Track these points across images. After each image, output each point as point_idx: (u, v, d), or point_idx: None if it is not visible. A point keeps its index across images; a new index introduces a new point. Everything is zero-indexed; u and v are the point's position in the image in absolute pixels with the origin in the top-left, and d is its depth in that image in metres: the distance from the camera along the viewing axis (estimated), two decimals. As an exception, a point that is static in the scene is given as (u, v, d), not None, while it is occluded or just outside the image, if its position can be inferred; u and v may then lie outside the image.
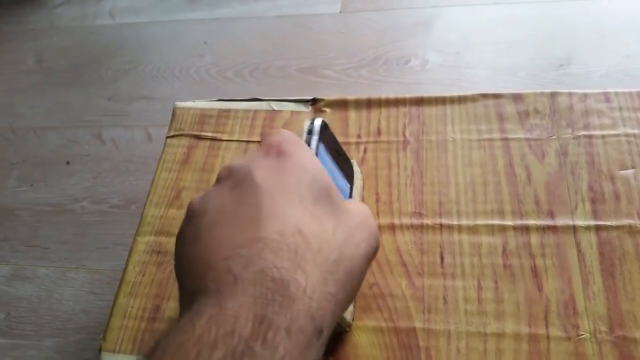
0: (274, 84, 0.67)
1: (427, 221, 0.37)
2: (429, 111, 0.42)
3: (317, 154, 0.30)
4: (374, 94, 0.43)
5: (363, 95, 0.43)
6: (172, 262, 0.36)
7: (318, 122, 0.32)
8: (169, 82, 0.71)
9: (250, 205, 0.20)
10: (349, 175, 0.36)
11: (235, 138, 0.42)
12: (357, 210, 0.25)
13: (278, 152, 0.23)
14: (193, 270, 0.20)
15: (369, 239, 0.24)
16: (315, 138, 0.31)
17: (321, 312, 0.19)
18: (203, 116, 0.44)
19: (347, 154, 0.37)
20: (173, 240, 0.38)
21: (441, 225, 0.36)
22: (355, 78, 0.65)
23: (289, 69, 0.68)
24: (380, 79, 0.64)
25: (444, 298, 0.33)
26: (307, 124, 0.32)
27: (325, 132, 0.32)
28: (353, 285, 0.22)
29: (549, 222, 0.36)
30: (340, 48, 0.69)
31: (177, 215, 0.39)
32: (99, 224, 0.59)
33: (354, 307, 0.33)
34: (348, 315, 0.32)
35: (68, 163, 0.65)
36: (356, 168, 0.38)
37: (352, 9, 0.73)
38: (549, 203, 0.37)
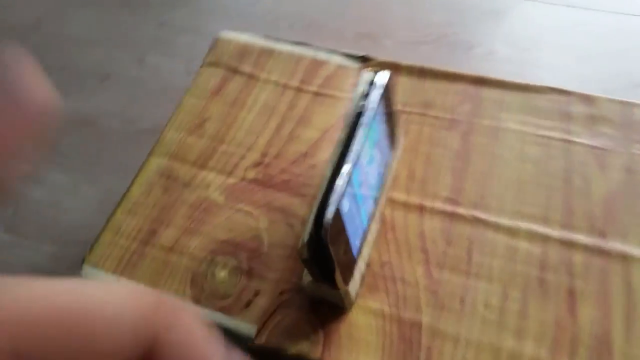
0: (326, 42, 0.62)
1: (461, 211, 0.33)
2: (487, 93, 0.38)
3: (375, 112, 0.27)
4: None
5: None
6: (181, 188, 0.34)
7: (385, 76, 0.29)
8: (222, 20, 0.68)
9: None
10: (393, 140, 0.33)
11: (273, 78, 0.39)
12: None
13: None
14: None
15: None
16: (378, 92, 0.28)
17: None
18: (244, 50, 0.41)
19: (398, 121, 0.33)
20: (186, 167, 0.36)
21: (476, 218, 0.32)
22: (414, 53, 0.60)
23: (346, 30, 0.64)
24: (441, 60, 0.60)
25: (462, 298, 0.30)
26: (368, 74, 0.29)
27: (388, 90, 0.29)
28: None
29: (600, 243, 0.31)
30: (405, 19, 0.64)
31: (196, 144, 0.36)
32: (125, 144, 0.57)
33: (360, 285, 0.30)
34: (353, 292, 0.29)
35: (105, 79, 0.63)
36: (400, 139, 0.34)
37: (428, -18, 0.68)
38: (604, 221, 0.32)
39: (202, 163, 0.35)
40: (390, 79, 0.29)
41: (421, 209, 0.33)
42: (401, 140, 0.35)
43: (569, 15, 0.63)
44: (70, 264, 0.49)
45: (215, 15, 0.70)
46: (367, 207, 0.30)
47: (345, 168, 0.26)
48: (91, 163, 0.56)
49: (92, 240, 0.50)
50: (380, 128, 0.30)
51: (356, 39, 0.63)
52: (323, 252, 0.24)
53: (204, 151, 0.36)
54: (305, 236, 0.24)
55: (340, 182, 0.25)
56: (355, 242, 0.28)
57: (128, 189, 0.34)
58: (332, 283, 0.27)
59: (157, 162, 0.35)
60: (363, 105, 0.28)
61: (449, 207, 0.33)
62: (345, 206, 0.26)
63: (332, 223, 0.24)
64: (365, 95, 0.28)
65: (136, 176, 0.35)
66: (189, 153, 0.36)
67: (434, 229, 0.32)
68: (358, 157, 0.26)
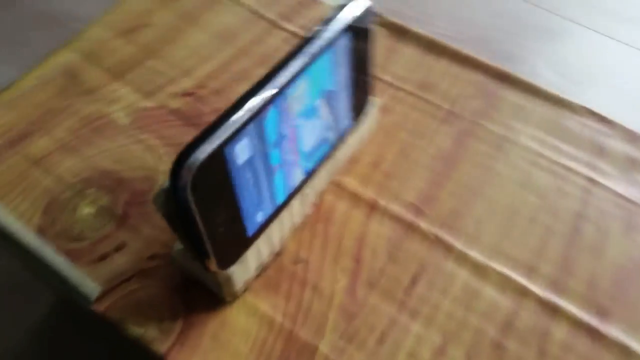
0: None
1: (423, 224, 0.24)
2: (509, 95, 0.29)
3: (330, 46, 0.20)
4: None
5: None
6: (80, 94, 0.26)
7: (362, 5, 0.21)
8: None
9: None
10: (357, 107, 0.24)
11: (247, 2, 0.31)
12: None
13: None
14: None
15: None
16: (343, 21, 0.20)
17: None
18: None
19: (372, 87, 0.25)
20: (97, 72, 0.25)
21: (438, 239, 0.24)
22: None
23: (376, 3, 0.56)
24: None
25: (382, 335, 0.21)
26: (342, 1, 0.21)
27: (363, 28, 0.21)
28: None
29: (595, 323, 0.22)
30: (447, 9, 0.56)
31: (120, 49, 0.28)
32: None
33: (256, 272, 0.22)
34: (239, 282, 0.21)
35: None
36: (373, 110, 0.26)
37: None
38: (610, 297, 0.23)
39: (118, 72, 0.28)
40: (369, 13, 0.21)
41: (373, 207, 0.25)
42: (374, 116, 0.27)
43: (636, 58, 0.53)
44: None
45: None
46: (291, 176, 0.22)
47: (254, 101, 0.17)
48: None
49: None
50: (339, 78, 0.22)
51: (384, 12, 0.55)
52: (186, 211, 0.16)
53: (127, 60, 0.28)
54: (167, 181, 0.16)
55: (238, 115, 0.17)
56: (253, 215, 0.20)
57: (20, 78, 0.27)
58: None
59: (66, 57, 0.28)
60: (316, 32, 0.20)
61: (409, 216, 0.24)
62: (241, 154, 0.17)
63: (205, 170, 0.16)
64: (327, 23, 0.20)
65: (36, 68, 0.27)
66: (107, 56, 0.28)
67: (380, 236, 0.24)
68: (282, 94, 0.18)
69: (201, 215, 0.17)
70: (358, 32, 0.21)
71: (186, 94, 0.27)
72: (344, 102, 0.23)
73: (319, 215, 0.24)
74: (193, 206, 0.16)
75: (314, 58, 0.19)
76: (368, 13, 0.21)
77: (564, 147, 0.27)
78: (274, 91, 0.18)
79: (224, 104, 0.27)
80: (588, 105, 0.50)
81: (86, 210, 0.23)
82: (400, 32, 0.31)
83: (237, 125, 0.17)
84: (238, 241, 0.19)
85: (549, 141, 0.27)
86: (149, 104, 0.27)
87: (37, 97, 0.26)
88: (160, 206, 0.17)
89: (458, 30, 0.54)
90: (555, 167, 0.27)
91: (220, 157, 0.16)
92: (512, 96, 0.29)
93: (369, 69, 0.24)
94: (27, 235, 0.22)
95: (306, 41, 0.19)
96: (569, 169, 0.27)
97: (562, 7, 0.58)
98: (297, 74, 0.19)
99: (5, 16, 0.54)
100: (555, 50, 0.54)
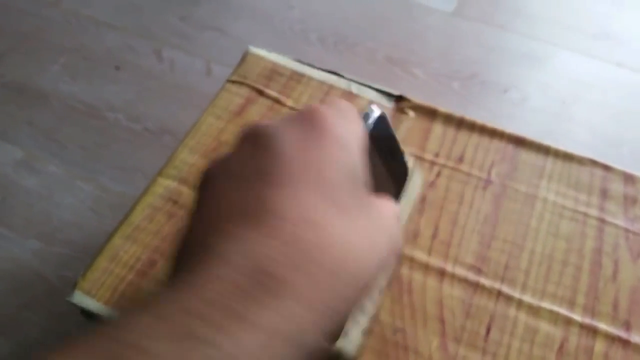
0: (355, 63, 0.61)
1: (485, 282, 0.31)
2: (526, 157, 0.35)
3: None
4: (461, 111, 0.37)
5: (450, 108, 0.37)
6: (187, 217, 0.31)
7: (375, 113, 0.24)
8: (249, 23, 0.66)
9: (263, 174, 0.17)
10: (398, 184, 0.29)
11: (299, 107, 0.37)
12: (381, 207, 0.20)
13: (315, 126, 0.19)
14: (180, 246, 0.18)
15: (388, 243, 0.19)
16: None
17: (307, 322, 0.15)
18: (273, 71, 0.38)
19: (412, 164, 0.31)
20: (191, 193, 0.33)
21: (499, 292, 0.30)
22: (445, 87, 0.58)
23: (377, 53, 0.61)
24: (472, 98, 0.57)
25: (475, 379, 0.28)
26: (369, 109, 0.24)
27: (380, 126, 0.25)
28: (357, 294, 0.17)
29: (622, 334, 0.29)
30: (439, 50, 0.62)
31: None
32: (127, 142, 0.55)
33: (362, 337, 0.28)
34: (350, 345, 0.27)
35: (118, 68, 0.60)
36: (417, 181, 0.32)
37: (467, 14, 0.66)
38: (629, 312, 0.30)
39: (214, 191, 0.33)
40: (382, 116, 0.23)
41: (442, 274, 0.31)
42: (418, 183, 0.32)
43: (614, 74, 0.61)
44: (56, 264, 0.46)
45: (242, 16, 0.67)
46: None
47: None
48: (90, 157, 0.53)
49: (83, 242, 0.48)
50: (375, 166, 0.25)
51: (387, 64, 0.61)
52: None
53: (219, 178, 0.33)
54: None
55: None
56: None
57: (129, 212, 0.31)
58: None
59: (164, 185, 0.33)
60: None
61: (472, 276, 0.31)
62: None
63: None
64: None
65: (140, 198, 0.32)
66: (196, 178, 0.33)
67: (454, 298, 0.30)
68: None
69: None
70: (380, 124, 0.23)
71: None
72: (386, 185, 0.27)
73: (402, 288, 0.30)
74: None
75: None
76: (382, 119, 0.23)
77: (580, 196, 0.34)
78: None
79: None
80: (575, 124, 0.56)
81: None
82: (430, 113, 0.37)
83: None
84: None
85: (567, 193, 0.34)
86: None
87: (152, 225, 0.31)
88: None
89: (454, 68, 0.61)
90: (576, 215, 0.33)
91: None
92: (529, 157, 0.35)
93: (399, 152, 0.26)
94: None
95: None
96: (585, 215, 0.33)
97: (536, 31, 0.64)
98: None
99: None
100: (541, 76, 0.60)
